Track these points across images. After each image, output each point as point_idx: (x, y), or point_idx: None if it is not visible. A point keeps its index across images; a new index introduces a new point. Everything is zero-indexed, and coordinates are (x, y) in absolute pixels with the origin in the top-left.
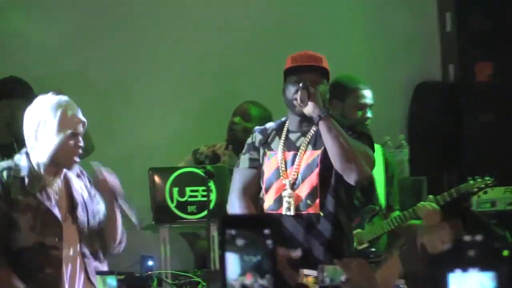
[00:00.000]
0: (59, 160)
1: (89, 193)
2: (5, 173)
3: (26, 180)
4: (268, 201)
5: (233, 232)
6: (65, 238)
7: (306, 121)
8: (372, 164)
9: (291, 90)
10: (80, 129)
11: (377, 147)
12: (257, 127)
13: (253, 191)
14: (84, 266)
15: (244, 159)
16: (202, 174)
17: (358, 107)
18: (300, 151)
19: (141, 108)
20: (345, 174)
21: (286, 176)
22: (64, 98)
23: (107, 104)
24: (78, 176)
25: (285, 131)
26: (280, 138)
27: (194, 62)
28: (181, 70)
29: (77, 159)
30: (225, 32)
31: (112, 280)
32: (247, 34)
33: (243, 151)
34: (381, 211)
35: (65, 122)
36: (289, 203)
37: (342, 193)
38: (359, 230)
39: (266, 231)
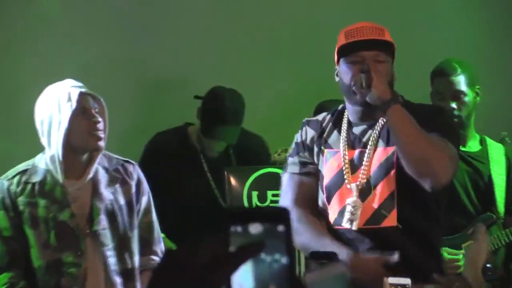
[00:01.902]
0: (75, 143)
1: (129, 202)
2: (15, 180)
3: (37, 187)
4: (333, 213)
5: (240, 229)
6: (89, 253)
7: (371, 110)
8: (455, 166)
9: (348, 73)
10: (90, 103)
11: (496, 145)
12: (306, 119)
13: (310, 203)
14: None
15: (293, 163)
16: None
17: (436, 97)
18: (369, 148)
19: None
20: (419, 178)
21: (353, 179)
22: (66, 81)
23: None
24: (121, 180)
25: (346, 123)
26: (339, 132)
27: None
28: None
29: (97, 139)
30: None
31: None
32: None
33: (290, 152)
34: (500, 219)
35: (68, 98)
36: (353, 213)
37: (427, 199)
38: (471, 242)
39: (281, 228)
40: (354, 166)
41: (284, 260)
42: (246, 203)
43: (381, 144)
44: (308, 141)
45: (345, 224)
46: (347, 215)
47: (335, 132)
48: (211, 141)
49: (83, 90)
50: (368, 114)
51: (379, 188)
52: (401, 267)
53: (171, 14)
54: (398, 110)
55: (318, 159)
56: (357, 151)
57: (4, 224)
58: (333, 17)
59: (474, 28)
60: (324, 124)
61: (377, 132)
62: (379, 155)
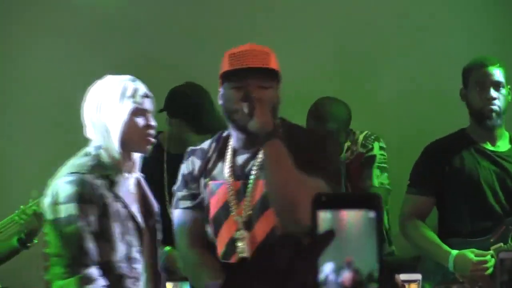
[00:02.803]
0: (131, 143)
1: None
2: (92, 174)
3: (108, 180)
4: (220, 246)
5: (328, 214)
6: (144, 249)
7: (253, 137)
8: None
9: (231, 99)
10: (147, 104)
11: None
12: (191, 148)
13: (205, 240)
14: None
15: (183, 198)
16: None
17: (477, 87)
18: (251, 179)
19: None
20: (281, 221)
21: (238, 212)
22: (125, 76)
23: None
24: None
25: (230, 151)
26: (224, 161)
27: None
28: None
29: (148, 144)
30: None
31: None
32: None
33: (178, 184)
34: None
35: (126, 96)
36: (242, 247)
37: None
38: (500, 245)
39: (371, 214)
40: (240, 198)
41: (372, 245)
42: None
43: (263, 176)
44: (195, 172)
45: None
46: (238, 249)
47: (220, 162)
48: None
49: (147, 90)
50: (251, 141)
51: (260, 222)
52: None
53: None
54: (276, 146)
55: (204, 192)
56: (241, 182)
57: (88, 217)
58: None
59: (496, 27)
60: (209, 154)
61: (258, 162)
62: (261, 187)
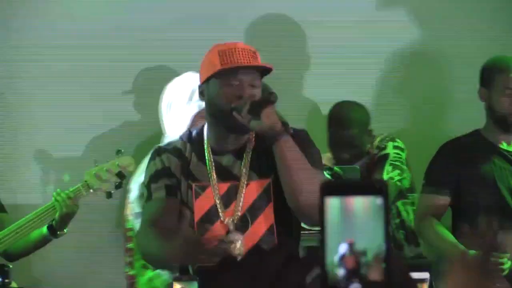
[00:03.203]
0: None
1: None
2: None
3: None
4: None
5: (335, 200)
6: None
7: (237, 137)
8: None
9: (224, 96)
10: None
11: None
12: (159, 146)
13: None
14: None
15: (157, 189)
16: (329, 176)
17: (506, 93)
18: (242, 181)
19: None
20: (300, 214)
21: (227, 214)
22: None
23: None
24: None
25: (208, 151)
26: (204, 163)
27: None
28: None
29: None
30: None
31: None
32: None
33: (146, 180)
34: None
35: (193, 99)
36: (238, 249)
37: (293, 220)
38: None
39: (379, 200)
40: (227, 200)
41: (379, 229)
42: None
43: (254, 176)
44: (173, 169)
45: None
46: (235, 251)
47: (200, 163)
48: None
49: None
50: (233, 141)
51: (257, 222)
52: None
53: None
54: (288, 142)
55: (186, 193)
56: (229, 184)
57: None
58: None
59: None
60: (186, 154)
61: (247, 163)
62: (253, 188)
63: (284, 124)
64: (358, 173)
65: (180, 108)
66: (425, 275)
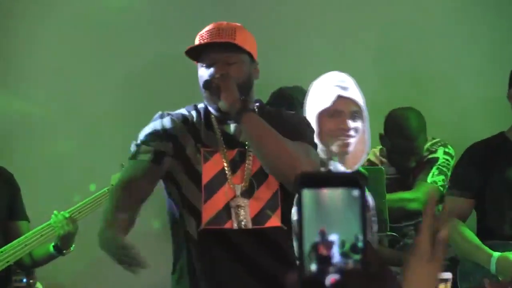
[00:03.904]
0: (325, 143)
1: None
2: None
3: None
4: (209, 212)
5: (313, 192)
6: None
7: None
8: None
9: (201, 78)
10: (349, 107)
11: None
12: (166, 112)
13: (142, 194)
14: None
15: (145, 151)
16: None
17: None
18: (248, 148)
19: None
20: (276, 176)
21: (235, 180)
22: (337, 77)
23: None
24: None
25: (215, 121)
26: (213, 131)
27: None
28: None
29: (345, 144)
30: None
31: None
32: None
33: (140, 138)
34: None
35: (322, 97)
36: (243, 215)
37: None
38: None
39: (355, 192)
40: (235, 166)
41: (356, 220)
42: None
43: None
44: (172, 132)
45: (237, 224)
46: (237, 217)
47: (208, 130)
48: None
49: (350, 93)
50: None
51: (262, 188)
52: (284, 268)
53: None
54: (251, 118)
55: (195, 157)
56: (236, 151)
57: None
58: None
59: None
60: (194, 121)
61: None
62: None
63: (244, 101)
64: (383, 174)
65: (311, 107)
66: (448, 275)
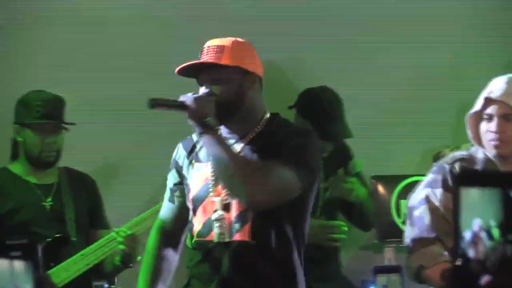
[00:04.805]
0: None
1: None
2: (456, 165)
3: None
4: (197, 224)
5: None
6: None
7: (233, 123)
8: (280, 190)
9: None
10: (498, 110)
11: None
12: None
13: (172, 228)
14: None
15: (168, 184)
16: None
17: None
18: None
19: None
20: (233, 198)
21: (217, 193)
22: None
23: None
24: None
25: None
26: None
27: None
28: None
29: (495, 146)
30: None
31: None
32: None
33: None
34: None
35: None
36: (221, 228)
37: (281, 217)
38: None
39: None
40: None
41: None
42: (394, 212)
43: None
44: (177, 157)
45: (216, 237)
46: (216, 230)
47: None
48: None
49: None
50: (235, 128)
51: (236, 201)
52: (250, 284)
53: None
54: (209, 139)
55: (188, 173)
56: None
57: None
58: None
59: None
60: (196, 140)
61: (243, 148)
62: None
63: (204, 122)
64: None
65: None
66: None
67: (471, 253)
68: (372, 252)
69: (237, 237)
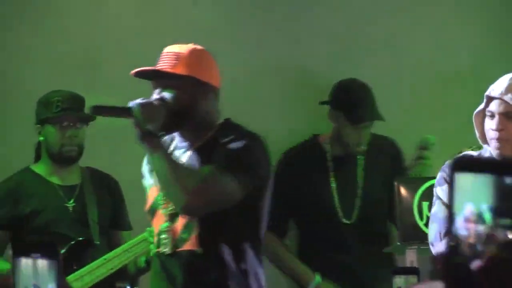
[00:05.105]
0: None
1: None
2: None
3: None
4: (154, 237)
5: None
6: None
7: (186, 131)
8: (211, 193)
9: None
10: (499, 107)
11: None
12: None
13: None
14: None
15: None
16: None
17: None
18: None
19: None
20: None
21: (165, 205)
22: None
23: None
24: None
25: (174, 145)
26: None
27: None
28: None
29: (496, 146)
30: None
31: None
32: None
33: None
34: None
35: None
36: (164, 239)
37: (228, 225)
38: None
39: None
40: None
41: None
42: (416, 214)
43: None
44: (143, 167)
45: (162, 248)
46: (162, 240)
47: None
48: (357, 128)
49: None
50: (189, 137)
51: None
52: None
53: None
54: (149, 146)
55: (147, 183)
56: None
57: None
58: None
59: None
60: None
61: (191, 157)
62: None
63: (144, 130)
64: None
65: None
66: None
67: (462, 237)
68: (394, 254)
69: (185, 247)
